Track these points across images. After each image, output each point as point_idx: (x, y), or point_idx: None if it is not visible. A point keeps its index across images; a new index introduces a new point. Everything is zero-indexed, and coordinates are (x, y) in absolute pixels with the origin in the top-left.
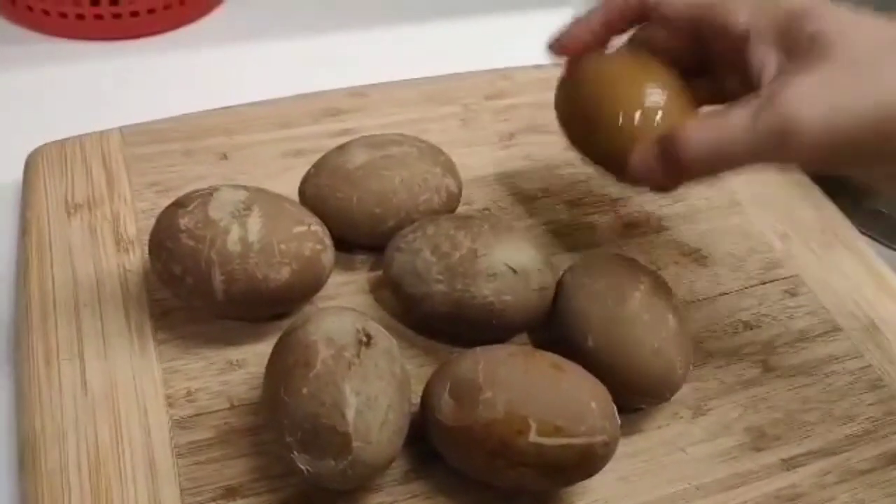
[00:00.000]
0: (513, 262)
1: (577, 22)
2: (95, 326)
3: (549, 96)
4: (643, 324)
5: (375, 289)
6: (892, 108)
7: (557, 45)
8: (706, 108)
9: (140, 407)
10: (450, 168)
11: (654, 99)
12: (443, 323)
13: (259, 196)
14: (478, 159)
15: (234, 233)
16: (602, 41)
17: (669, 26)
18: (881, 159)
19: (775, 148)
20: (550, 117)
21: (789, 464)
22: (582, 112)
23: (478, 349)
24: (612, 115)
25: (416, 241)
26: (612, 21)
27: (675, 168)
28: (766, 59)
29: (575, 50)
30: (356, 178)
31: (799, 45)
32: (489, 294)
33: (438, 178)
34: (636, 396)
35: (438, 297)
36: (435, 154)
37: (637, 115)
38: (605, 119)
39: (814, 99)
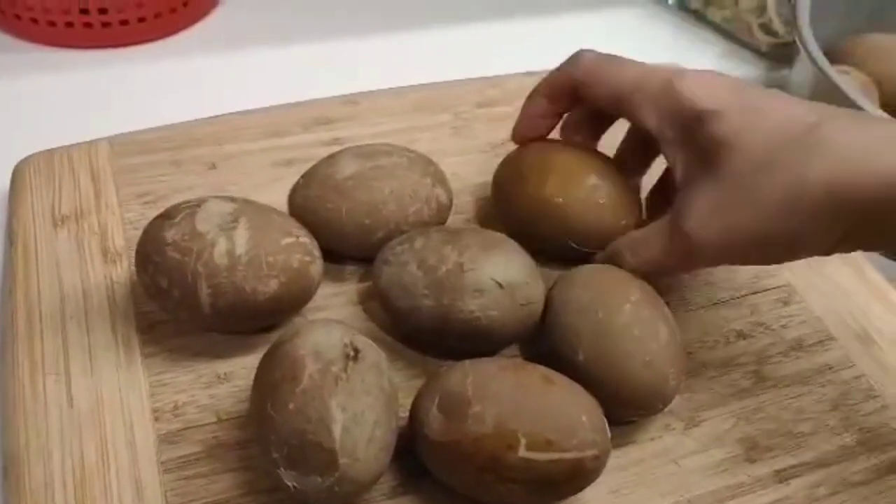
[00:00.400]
0: (499, 277)
1: (527, 112)
2: (82, 340)
3: None
4: (634, 337)
5: (364, 300)
6: (770, 223)
7: (518, 136)
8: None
9: (126, 422)
10: (440, 178)
11: (589, 188)
12: (430, 336)
13: (247, 208)
14: (469, 168)
15: (221, 245)
16: (553, 122)
17: (596, 107)
18: (797, 250)
19: (688, 263)
20: None
21: (782, 475)
22: (519, 189)
23: (467, 362)
24: (549, 201)
25: (403, 253)
26: (555, 104)
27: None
28: (675, 161)
29: (534, 136)
30: (345, 189)
31: (700, 149)
32: (475, 309)
33: (428, 188)
34: (628, 409)
35: (425, 311)
36: (425, 164)
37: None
38: (542, 203)
39: (707, 220)
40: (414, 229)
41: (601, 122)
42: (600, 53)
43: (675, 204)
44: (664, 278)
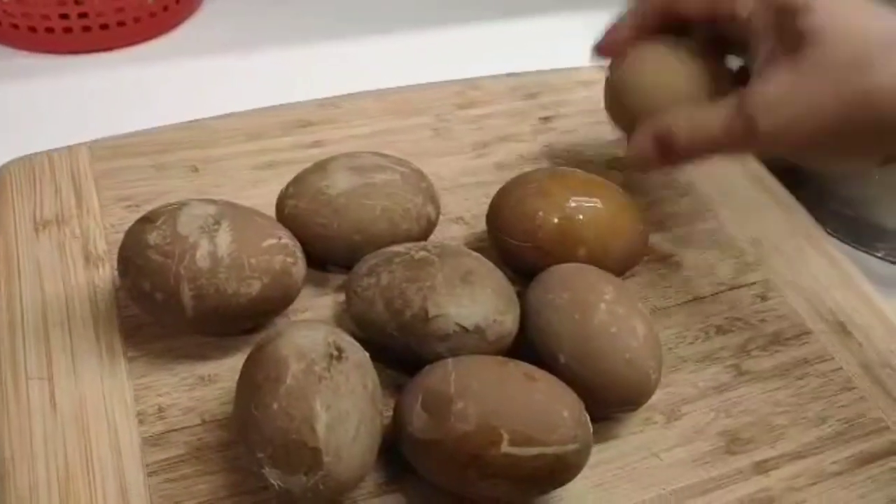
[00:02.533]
0: (465, 321)
1: (612, 29)
2: (65, 344)
3: (521, 105)
4: (612, 335)
5: (345, 307)
6: (843, 121)
7: (599, 50)
8: None
9: (110, 425)
10: (431, 196)
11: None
12: (404, 366)
13: (228, 210)
14: (450, 169)
15: (204, 247)
16: (639, 40)
17: (691, 23)
18: (844, 155)
19: (743, 146)
20: (522, 126)
21: (762, 467)
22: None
23: (450, 360)
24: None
25: (369, 288)
26: (643, 26)
27: (666, 154)
28: (758, 51)
29: (614, 53)
30: (338, 206)
31: (789, 39)
32: (443, 351)
33: (419, 207)
34: (611, 407)
35: (397, 348)
36: (417, 180)
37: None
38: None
39: (776, 106)
40: (380, 255)
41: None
42: None
43: (746, 88)
44: (710, 157)
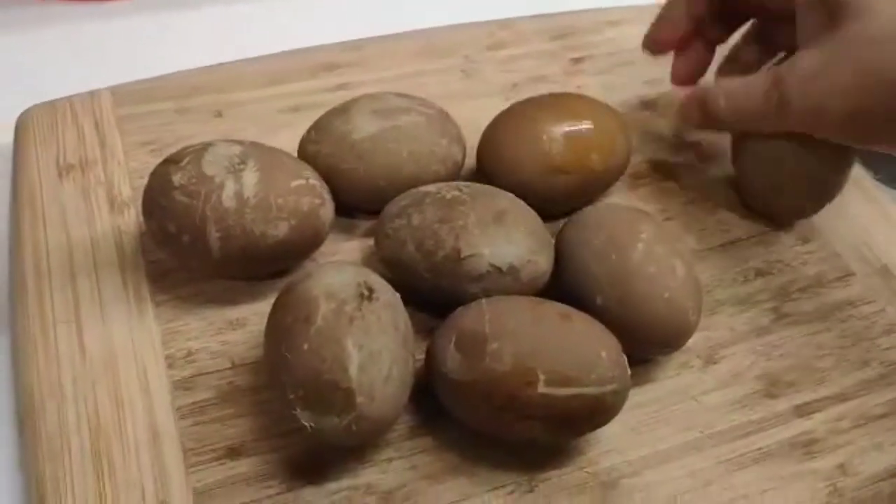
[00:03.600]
0: (498, 261)
1: (661, 20)
2: (92, 290)
3: (551, 46)
4: (650, 275)
5: (375, 250)
6: (881, 95)
7: (651, 45)
8: None
9: (140, 369)
10: (456, 136)
11: None
12: (436, 308)
13: (254, 150)
14: (480, 112)
15: (230, 188)
16: (689, 32)
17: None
18: (887, 139)
19: (780, 119)
20: (552, 67)
21: (803, 410)
22: None
23: (483, 300)
24: None
25: (401, 230)
26: (692, 10)
27: (707, 118)
28: (807, 23)
29: (668, 46)
30: (363, 151)
31: (830, 11)
32: (478, 292)
33: (445, 148)
34: (651, 348)
35: (427, 290)
36: (442, 122)
37: None
38: None
39: (814, 77)
40: (410, 196)
41: (733, 19)
42: None
43: (786, 62)
44: (749, 129)
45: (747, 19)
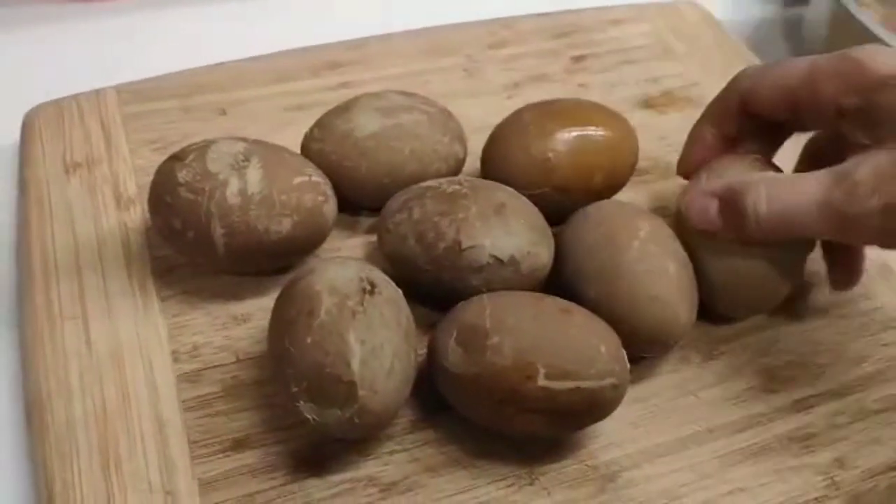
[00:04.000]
0: (499, 252)
1: (693, 141)
2: (98, 285)
3: (552, 45)
4: (641, 273)
5: (378, 246)
6: None
7: (685, 167)
8: None
9: (146, 363)
10: (458, 134)
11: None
12: (437, 303)
13: (258, 147)
14: (482, 110)
15: (234, 184)
16: (722, 152)
17: (767, 115)
18: None
19: (840, 228)
20: (554, 66)
21: (802, 405)
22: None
23: (485, 295)
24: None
25: (402, 224)
26: (723, 127)
27: (736, 222)
28: (854, 132)
29: (701, 165)
30: (366, 149)
31: (879, 118)
32: (479, 283)
33: (447, 146)
34: (640, 346)
35: (428, 284)
36: (444, 120)
37: None
38: None
39: (884, 179)
40: (412, 190)
41: (774, 134)
42: (762, 64)
43: (842, 167)
44: (793, 237)
45: (791, 133)
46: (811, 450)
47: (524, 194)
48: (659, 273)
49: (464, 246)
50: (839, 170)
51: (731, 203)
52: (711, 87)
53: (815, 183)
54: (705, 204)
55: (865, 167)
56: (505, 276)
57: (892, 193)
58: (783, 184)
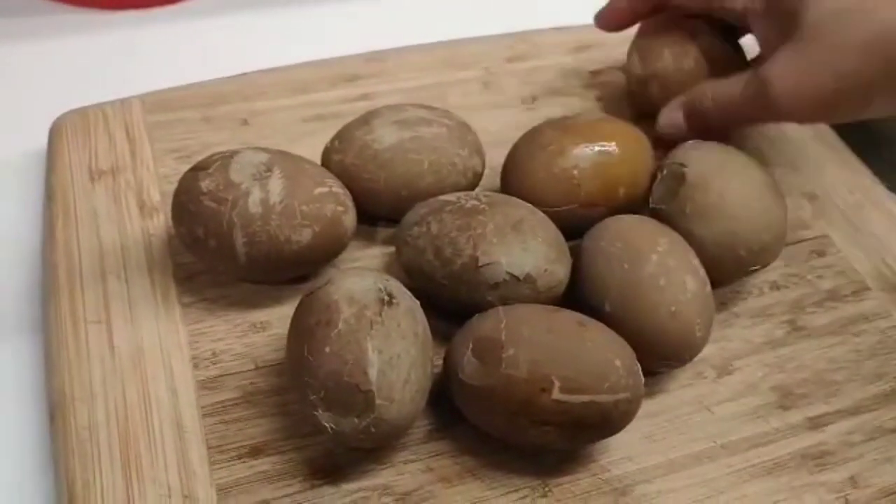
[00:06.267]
0: (516, 270)
1: (612, 4)
2: (121, 290)
3: (570, 59)
4: (659, 287)
5: (395, 257)
6: (845, 68)
7: (601, 21)
8: None
9: (166, 368)
10: (476, 148)
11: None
12: (453, 315)
13: (279, 158)
14: (500, 123)
15: (256, 194)
16: (636, 17)
17: (684, 9)
18: (868, 107)
19: (764, 111)
20: (571, 80)
21: (816, 422)
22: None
23: (500, 308)
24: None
25: (420, 238)
26: (640, 4)
27: (695, 122)
28: (761, 35)
29: (616, 26)
30: (384, 161)
31: (783, 19)
32: (494, 300)
33: (465, 160)
34: (655, 360)
35: (445, 298)
36: (463, 133)
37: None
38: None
39: (786, 69)
40: (430, 205)
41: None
42: None
43: (761, 64)
44: (740, 127)
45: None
46: (825, 468)
47: (549, 211)
48: (677, 287)
49: (480, 263)
50: (756, 70)
51: (689, 107)
52: None
53: (742, 82)
54: (674, 115)
55: (770, 66)
56: (521, 293)
57: (792, 83)
58: (722, 85)
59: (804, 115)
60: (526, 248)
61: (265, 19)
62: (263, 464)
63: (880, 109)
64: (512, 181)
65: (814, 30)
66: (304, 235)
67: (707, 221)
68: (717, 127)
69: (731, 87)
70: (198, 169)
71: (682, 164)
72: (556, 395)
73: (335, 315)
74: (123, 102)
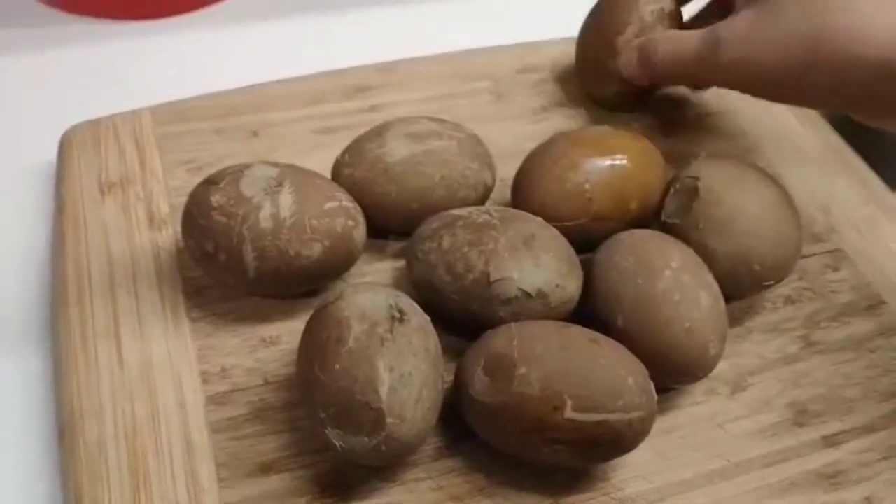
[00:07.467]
0: (527, 286)
1: None
2: (130, 304)
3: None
4: (673, 303)
5: (406, 272)
6: (782, 58)
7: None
8: None
9: (175, 383)
10: (487, 161)
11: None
12: (465, 331)
13: (290, 172)
14: (509, 134)
15: (266, 209)
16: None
17: None
18: (805, 98)
19: (708, 71)
20: (582, 92)
21: (831, 440)
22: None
23: (513, 325)
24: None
25: (431, 253)
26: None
27: (644, 65)
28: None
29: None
30: (395, 174)
31: None
32: (506, 316)
33: (476, 173)
34: (668, 376)
35: (457, 313)
36: (474, 146)
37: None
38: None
39: (738, 36)
40: (441, 219)
41: None
42: None
43: (721, 22)
44: (682, 79)
45: None
46: (840, 486)
47: (561, 226)
48: (691, 303)
49: (492, 278)
50: (714, 27)
51: (642, 53)
52: (734, 109)
53: (695, 38)
54: (630, 56)
55: (726, 27)
56: (533, 309)
57: (739, 50)
58: (673, 38)
59: (744, 84)
60: (538, 264)
61: (275, 30)
62: (272, 481)
63: (815, 102)
64: (523, 194)
65: (773, 7)
66: (315, 250)
67: (721, 236)
68: (664, 77)
69: (682, 41)
70: (209, 183)
71: (696, 178)
72: (569, 413)
73: (346, 332)
74: (134, 113)
